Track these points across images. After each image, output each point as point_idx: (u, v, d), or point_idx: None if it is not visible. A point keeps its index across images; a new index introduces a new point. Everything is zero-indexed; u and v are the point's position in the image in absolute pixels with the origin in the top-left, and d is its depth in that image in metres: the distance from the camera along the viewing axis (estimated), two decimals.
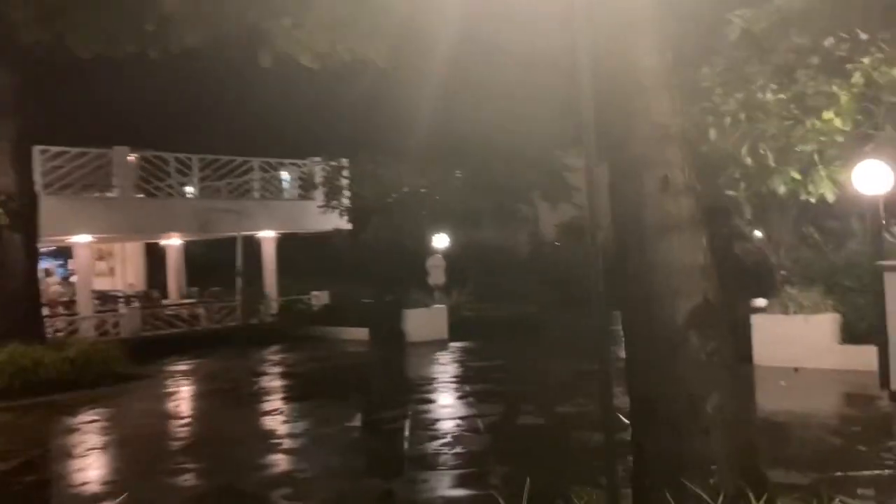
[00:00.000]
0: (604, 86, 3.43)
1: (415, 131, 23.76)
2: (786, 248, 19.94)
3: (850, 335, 10.87)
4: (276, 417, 9.56)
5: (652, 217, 3.17)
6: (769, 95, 10.75)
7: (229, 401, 11.06)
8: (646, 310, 3.17)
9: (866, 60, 10.23)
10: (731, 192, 11.76)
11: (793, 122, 10.64)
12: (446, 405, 9.82)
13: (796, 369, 10.78)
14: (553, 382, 11.28)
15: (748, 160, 11.35)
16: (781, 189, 10.96)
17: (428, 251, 19.92)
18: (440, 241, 21.92)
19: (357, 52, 9.83)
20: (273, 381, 12.75)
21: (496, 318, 17.97)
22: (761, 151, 11.09)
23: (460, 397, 10.25)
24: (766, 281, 23.25)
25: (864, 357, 10.46)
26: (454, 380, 11.68)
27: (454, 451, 7.44)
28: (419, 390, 11.02)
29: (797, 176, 10.89)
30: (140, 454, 8.20)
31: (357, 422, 9.24)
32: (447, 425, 8.60)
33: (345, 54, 9.69)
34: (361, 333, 16.59)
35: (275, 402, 10.87)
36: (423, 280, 18.06)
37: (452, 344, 15.81)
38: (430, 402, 10.13)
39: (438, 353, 14.63)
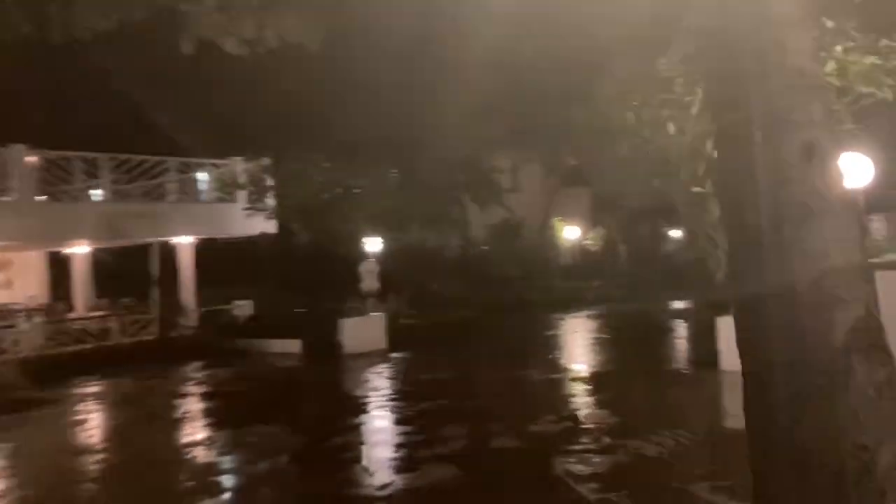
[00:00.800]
0: (714, 17, 2.50)
1: (345, 127, 22.60)
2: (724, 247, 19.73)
3: None
4: (207, 449, 8.30)
5: (793, 196, 2.23)
6: None
7: (150, 430, 9.69)
8: (786, 325, 2.22)
9: (839, 48, 9.75)
10: (697, 189, 11.17)
11: None
12: (402, 427, 8.76)
13: None
14: (511, 395, 10.38)
15: (715, 154, 10.79)
16: None
17: (360, 255, 18.84)
18: (372, 244, 20.85)
19: (288, 37, 9.08)
20: (199, 404, 11.41)
21: (434, 325, 17.02)
22: None
23: (416, 417, 9.20)
24: (698, 280, 23.13)
25: None
26: (404, 396, 10.63)
27: (426, 483, 6.42)
28: (367, 410, 9.94)
29: None
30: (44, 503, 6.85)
31: (303, 451, 8.08)
32: (409, 451, 7.56)
33: (273, 40, 8.91)
34: (293, 346, 15.34)
35: (203, 429, 9.58)
36: (356, 286, 16.92)
37: (393, 354, 14.73)
38: (383, 423, 9.07)
39: (380, 366, 13.53)
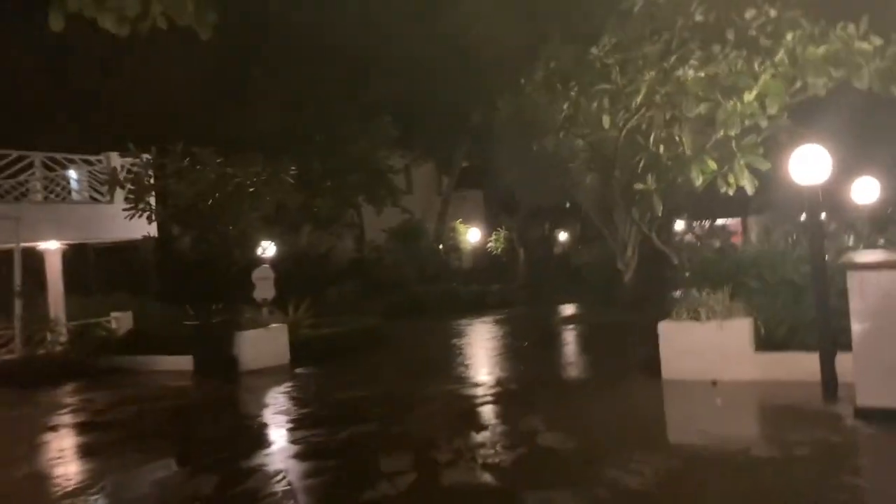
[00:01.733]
0: None
1: (237, 119, 20.99)
2: (633, 248, 19.33)
3: (764, 341, 9.84)
4: (88, 502, 6.77)
5: None
6: (690, 73, 9.52)
7: (14, 475, 7.99)
8: None
9: (789, 37, 9.22)
10: (639, 186, 10.44)
11: (713, 104, 9.45)
12: (329, 460, 7.46)
13: (714, 382, 9.58)
14: (443, 416, 9.30)
15: (660, 148, 10.08)
16: (699, 180, 9.74)
17: (254, 260, 17.34)
18: (267, 248, 19.33)
19: (178, 19, 7.83)
20: (75, 438, 9.69)
21: (338, 335, 15.71)
22: (676, 138, 9.84)
23: (342, 447, 7.96)
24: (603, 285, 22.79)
25: (785, 365, 9.46)
26: (322, 420, 9.32)
27: None
28: (282, 440, 8.61)
29: (713, 165, 9.72)
30: None
31: (212, 499, 6.69)
32: (346, 494, 6.33)
33: (161, 20, 7.67)
34: (182, 363, 13.69)
35: (82, 472, 7.98)
36: (249, 295, 15.38)
37: (298, 370, 13.36)
38: (305, 457, 7.74)
39: (286, 384, 12.15)
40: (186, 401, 11.66)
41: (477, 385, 10.79)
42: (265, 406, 10.64)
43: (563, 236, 31.52)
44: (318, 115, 25.92)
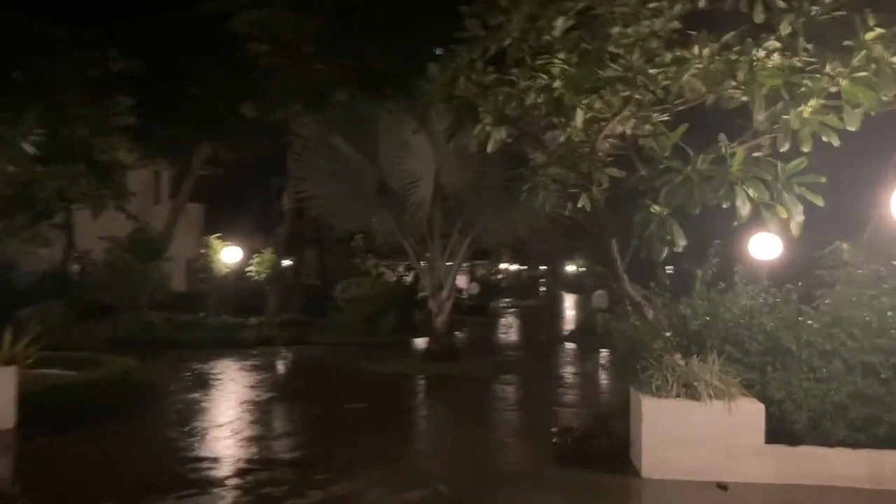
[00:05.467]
0: None
1: None
2: (449, 289, 16.54)
3: (774, 431, 7.48)
4: None
5: None
6: (776, 57, 6.99)
7: None
8: None
9: (869, 36, 7.12)
10: (655, 209, 7.65)
11: (784, 105, 7.01)
12: None
13: (724, 487, 7.01)
14: None
15: (698, 161, 7.39)
16: (745, 208, 7.20)
17: None
18: None
19: None
20: None
21: (82, 384, 10.76)
22: (723, 148, 7.22)
23: None
24: None
25: (807, 464, 7.23)
26: None
27: None
28: None
29: (760, 193, 7.23)
30: None
31: None
32: None
33: None
34: None
35: None
36: None
37: (38, 439, 8.36)
38: None
39: (28, 471, 7.26)
40: None
41: (302, 478, 7.00)
42: None
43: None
44: (36, 85, 19.84)
